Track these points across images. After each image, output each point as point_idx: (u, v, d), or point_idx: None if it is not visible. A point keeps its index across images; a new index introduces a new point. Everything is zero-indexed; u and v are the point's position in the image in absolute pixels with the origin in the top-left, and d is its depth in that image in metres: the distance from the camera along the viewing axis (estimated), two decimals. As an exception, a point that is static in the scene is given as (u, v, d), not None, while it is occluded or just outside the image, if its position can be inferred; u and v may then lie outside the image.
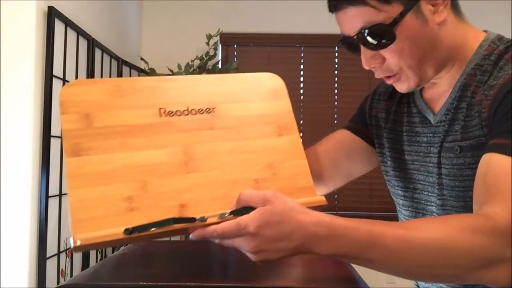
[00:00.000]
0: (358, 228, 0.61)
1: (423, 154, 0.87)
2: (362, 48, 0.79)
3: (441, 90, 0.85)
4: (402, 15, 0.74)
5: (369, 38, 0.76)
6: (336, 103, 3.29)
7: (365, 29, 0.75)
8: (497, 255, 0.62)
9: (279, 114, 0.75)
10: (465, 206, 0.79)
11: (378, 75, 0.82)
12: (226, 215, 0.62)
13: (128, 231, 0.58)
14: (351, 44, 0.80)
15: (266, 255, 0.61)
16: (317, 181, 0.91)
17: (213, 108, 0.72)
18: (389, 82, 0.83)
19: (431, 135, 0.86)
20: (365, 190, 3.22)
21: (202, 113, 0.71)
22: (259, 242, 0.60)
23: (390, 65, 0.79)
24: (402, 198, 0.95)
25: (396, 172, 0.95)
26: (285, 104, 0.77)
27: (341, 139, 1.01)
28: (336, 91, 3.30)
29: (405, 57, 0.77)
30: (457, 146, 0.79)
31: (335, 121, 3.27)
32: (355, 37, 0.78)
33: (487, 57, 0.79)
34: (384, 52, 0.78)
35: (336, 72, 3.31)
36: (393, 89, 0.95)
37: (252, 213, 0.60)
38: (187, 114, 0.70)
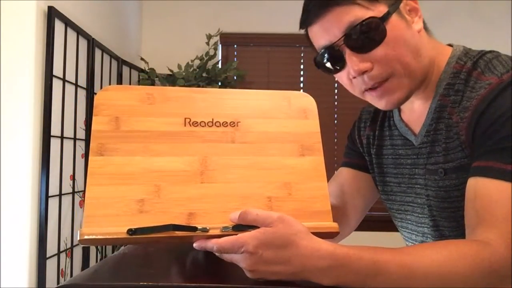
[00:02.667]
0: (361, 257, 0.61)
1: (409, 176, 0.87)
2: (349, 53, 0.75)
3: (417, 111, 0.85)
4: (389, 13, 0.74)
5: (360, 37, 0.73)
6: (336, 103, 3.29)
7: (356, 25, 0.73)
8: (495, 281, 0.62)
9: (304, 134, 0.75)
10: (458, 226, 0.78)
11: (366, 84, 0.77)
12: (229, 229, 0.62)
13: (130, 232, 0.60)
14: (332, 55, 0.77)
15: (262, 275, 0.60)
16: (344, 226, 0.93)
17: (238, 122, 0.73)
18: (375, 94, 0.78)
19: (414, 156, 0.85)
20: (365, 190, 3.21)
21: (226, 126, 0.72)
22: (255, 261, 0.59)
23: (379, 69, 0.75)
24: (398, 220, 0.95)
25: (386, 196, 0.95)
26: (313, 124, 0.76)
27: (346, 180, 1.01)
28: (336, 91, 3.30)
29: (395, 58, 0.75)
30: (441, 169, 0.79)
31: (335, 121, 3.28)
32: (340, 41, 0.74)
33: (456, 75, 0.78)
34: (374, 53, 0.75)
35: (336, 72, 3.31)
36: (375, 113, 0.96)
37: (252, 232, 0.60)
38: (211, 126, 0.71)
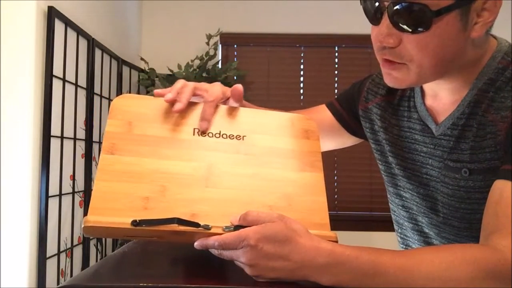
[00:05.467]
0: (359, 257, 0.60)
1: (420, 164, 0.84)
2: (385, 20, 0.70)
3: (444, 99, 0.80)
4: (449, 9, 0.66)
5: (403, 15, 0.68)
6: (336, 103, 3.29)
7: (406, 2, 0.67)
8: (498, 283, 0.60)
9: (306, 152, 0.78)
10: (470, 227, 0.76)
11: (383, 54, 0.73)
12: (230, 229, 0.63)
13: (134, 223, 0.62)
14: (375, 8, 0.71)
15: (261, 271, 0.60)
16: None
17: (244, 136, 0.77)
18: (386, 67, 0.75)
19: (432, 146, 0.82)
20: (365, 190, 3.21)
21: (233, 138, 0.76)
22: (256, 255, 0.59)
23: (403, 52, 0.71)
24: (394, 204, 0.94)
25: (388, 178, 0.93)
26: (314, 144, 0.79)
27: (322, 120, 1.00)
28: (336, 91, 3.30)
29: (424, 54, 0.69)
30: (465, 169, 0.75)
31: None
32: (388, 3, 0.68)
33: (501, 72, 0.74)
34: (407, 37, 0.69)
35: (336, 72, 3.31)
36: None
37: (254, 227, 0.61)
38: (218, 137, 0.76)
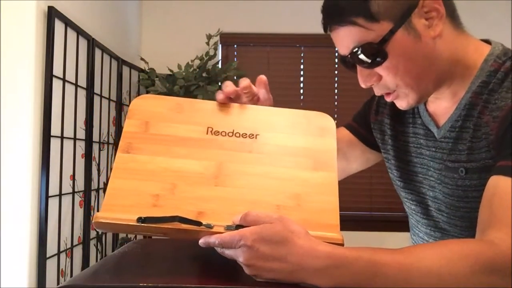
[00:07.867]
0: (358, 258, 0.60)
1: (426, 167, 0.87)
2: (358, 67, 0.78)
3: (444, 105, 0.83)
4: (392, 32, 0.73)
5: (362, 57, 0.76)
6: (336, 103, 3.29)
7: (357, 49, 0.75)
8: (497, 282, 0.61)
9: (320, 150, 0.77)
10: (471, 226, 0.76)
11: (377, 92, 0.81)
12: (232, 228, 0.64)
13: (140, 220, 0.64)
14: (348, 63, 0.80)
15: (259, 272, 0.60)
16: None
17: (257, 134, 0.77)
18: (388, 99, 0.82)
19: (434, 149, 0.85)
20: (365, 190, 3.21)
21: (245, 137, 0.76)
22: (252, 255, 0.59)
23: (387, 83, 0.78)
24: (411, 210, 0.95)
25: (403, 183, 0.94)
26: (329, 142, 0.78)
27: (341, 139, 1.00)
28: (336, 91, 3.30)
29: (401, 75, 0.76)
30: (462, 168, 0.78)
31: (335, 121, 3.27)
32: (349, 56, 0.77)
33: (493, 74, 0.77)
34: (379, 70, 0.77)
35: (336, 72, 3.31)
36: None
37: (252, 227, 0.61)
38: (231, 136, 0.76)
